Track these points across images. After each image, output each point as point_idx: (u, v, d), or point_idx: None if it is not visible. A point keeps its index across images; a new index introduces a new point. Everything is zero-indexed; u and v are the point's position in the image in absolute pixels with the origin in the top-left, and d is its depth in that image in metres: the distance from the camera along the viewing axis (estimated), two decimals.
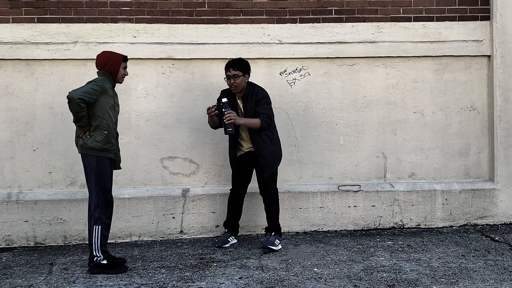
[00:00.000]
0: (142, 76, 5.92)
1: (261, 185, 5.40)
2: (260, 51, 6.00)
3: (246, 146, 5.36)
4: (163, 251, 5.46)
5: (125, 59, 4.89)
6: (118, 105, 4.95)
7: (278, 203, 5.46)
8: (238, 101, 5.33)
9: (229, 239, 5.54)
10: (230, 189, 5.54)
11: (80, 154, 4.83)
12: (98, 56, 4.87)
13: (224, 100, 5.10)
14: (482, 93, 6.29)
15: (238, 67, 5.20)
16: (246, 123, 5.16)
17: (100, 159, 4.73)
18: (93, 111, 4.69)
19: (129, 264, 4.95)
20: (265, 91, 5.36)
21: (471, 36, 6.19)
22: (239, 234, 5.77)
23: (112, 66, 4.80)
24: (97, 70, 4.85)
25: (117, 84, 4.94)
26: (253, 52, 5.97)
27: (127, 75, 4.98)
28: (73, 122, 4.74)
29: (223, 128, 5.18)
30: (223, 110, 5.06)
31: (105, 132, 4.73)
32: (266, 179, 5.36)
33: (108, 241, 5.10)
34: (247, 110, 5.25)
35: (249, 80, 5.35)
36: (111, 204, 4.82)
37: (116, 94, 4.95)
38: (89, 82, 4.73)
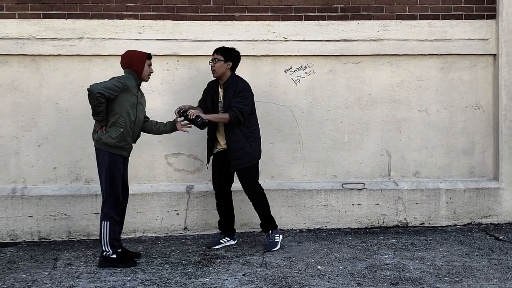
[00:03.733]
0: None
1: (242, 184, 5.30)
2: (265, 48, 5.99)
3: (223, 142, 5.26)
4: (167, 247, 5.47)
5: (149, 56, 4.93)
6: (142, 104, 4.94)
7: (265, 198, 5.33)
8: (220, 90, 5.28)
9: (221, 241, 5.45)
10: (214, 191, 5.47)
11: (94, 149, 4.86)
12: (122, 56, 4.92)
13: (182, 108, 5.06)
14: (487, 92, 6.28)
15: (221, 52, 5.20)
16: (213, 118, 5.05)
17: (113, 155, 4.75)
18: (112, 107, 4.71)
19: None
20: (247, 83, 5.26)
21: (476, 35, 6.17)
22: (242, 231, 5.78)
23: (137, 65, 4.84)
24: (124, 70, 4.90)
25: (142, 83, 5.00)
26: (258, 49, 5.97)
27: (152, 72, 5.01)
28: (92, 115, 4.76)
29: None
30: (184, 114, 5.01)
31: (121, 129, 4.75)
32: (244, 178, 5.24)
33: None
34: (225, 100, 5.17)
35: (241, 77, 5.30)
36: (120, 200, 4.83)
37: (142, 93, 4.98)
38: (112, 78, 4.76)
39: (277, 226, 5.43)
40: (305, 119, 6.12)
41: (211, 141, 5.33)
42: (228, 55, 5.21)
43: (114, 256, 4.77)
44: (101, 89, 4.59)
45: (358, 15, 6.09)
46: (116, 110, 4.73)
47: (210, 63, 5.26)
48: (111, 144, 4.74)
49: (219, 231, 5.53)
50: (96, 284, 4.40)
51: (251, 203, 5.57)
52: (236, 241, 5.53)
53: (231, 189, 5.46)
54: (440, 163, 6.27)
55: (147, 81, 5.04)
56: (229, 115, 5.04)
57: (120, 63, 4.92)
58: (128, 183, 5.03)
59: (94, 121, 4.83)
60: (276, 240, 5.32)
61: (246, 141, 5.19)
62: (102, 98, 4.59)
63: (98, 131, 4.77)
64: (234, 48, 5.33)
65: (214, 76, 5.29)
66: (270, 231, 5.36)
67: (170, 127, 5.15)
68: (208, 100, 5.31)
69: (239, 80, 5.26)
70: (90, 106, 4.68)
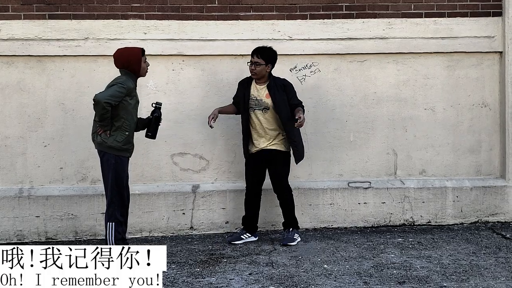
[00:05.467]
0: (152, 73, 5.91)
1: (276, 182, 5.44)
2: None
3: (263, 142, 5.39)
4: (173, 246, 5.48)
5: (143, 52, 4.92)
6: (138, 102, 4.97)
7: (293, 198, 5.52)
8: (258, 87, 5.40)
9: (242, 236, 5.54)
10: (246, 187, 5.58)
11: (96, 150, 4.87)
12: (115, 55, 4.87)
13: (157, 105, 5.06)
14: (493, 90, 6.25)
15: (261, 55, 5.32)
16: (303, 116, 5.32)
17: (119, 157, 4.77)
18: (117, 112, 4.71)
19: None
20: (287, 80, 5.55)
21: (482, 32, 6.14)
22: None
23: (134, 64, 4.83)
24: (119, 69, 4.87)
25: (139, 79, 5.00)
26: None
27: (149, 66, 5.00)
28: (95, 120, 4.77)
29: (146, 131, 5.08)
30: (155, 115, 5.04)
31: (127, 133, 4.77)
32: (280, 174, 5.40)
33: None
34: (276, 96, 5.33)
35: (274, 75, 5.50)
36: (125, 201, 4.84)
37: (136, 91, 4.97)
38: (114, 84, 4.73)
39: (299, 227, 5.59)
40: (310, 118, 6.10)
41: (246, 141, 5.46)
42: (269, 58, 5.38)
43: None
44: (107, 98, 4.59)
45: (363, 14, 6.08)
46: (121, 115, 4.73)
47: (250, 66, 5.35)
48: (117, 147, 4.75)
49: (242, 227, 5.62)
50: None
51: (260, 203, 5.61)
52: (257, 238, 5.61)
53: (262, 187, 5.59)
54: (447, 162, 6.25)
55: (144, 76, 5.04)
56: (302, 109, 5.39)
57: (115, 63, 4.87)
58: (128, 183, 5.03)
59: (93, 123, 4.83)
60: (295, 237, 5.44)
61: (299, 135, 5.48)
62: (108, 107, 4.60)
63: (101, 135, 4.77)
64: (271, 48, 5.44)
65: (252, 77, 5.41)
66: (291, 228, 5.48)
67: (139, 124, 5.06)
68: (240, 97, 5.47)
69: (280, 79, 5.49)
70: (95, 113, 4.69)
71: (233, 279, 4.48)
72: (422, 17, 6.11)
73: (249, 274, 4.60)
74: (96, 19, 5.88)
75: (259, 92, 5.39)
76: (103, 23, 5.87)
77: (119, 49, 4.97)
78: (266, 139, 5.39)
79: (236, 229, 5.86)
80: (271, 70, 5.43)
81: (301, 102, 5.44)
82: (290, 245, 5.36)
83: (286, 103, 5.36)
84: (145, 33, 5.90)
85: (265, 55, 5.34)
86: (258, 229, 5.77)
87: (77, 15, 5.87)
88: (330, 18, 6.05)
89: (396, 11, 6.10)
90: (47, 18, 5.85)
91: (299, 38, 6.02)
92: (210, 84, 6.00)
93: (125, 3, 5.91)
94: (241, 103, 5.44)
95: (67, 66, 5.91)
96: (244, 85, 5.48)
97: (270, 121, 5.37)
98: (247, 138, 5.45)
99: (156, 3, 5.93)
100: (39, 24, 5.83)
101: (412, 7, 6.11)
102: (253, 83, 5.44)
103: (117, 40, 5.83)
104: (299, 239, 5.47)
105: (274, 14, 6.02)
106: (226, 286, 4.33)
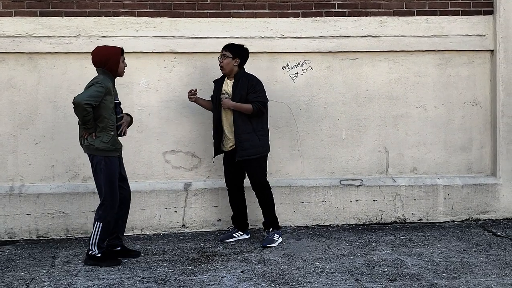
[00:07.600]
0: (144, 70, 5.92)
1: (249, 178, 5.38)
2: (263, 45, 5.99)
3: (232, 142, 5.36)
4: (165, 244, 5.47)
5: (122, 52, 4.89)
6: (113, 103, 4.91)
7: (271, 195, 5.41)
8: (229, 82, 5.37)
9: (234, 234, 5.54)
10: (226, 186, 5.56)
11: (86, 154, 4.84)
12: (93, 53, 4.82)
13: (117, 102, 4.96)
14: (485, 88, 6.28)
15: (229, 49, 5.31)
16: (237, 106, 5.21)
17: (108, 159, 4.74)
18: (99, 113, 4.68)
19: (131, 258, 4.97)
20: (258, 78, 5.39)
21: (474, 31, 6.17)
22: None
23: (112, 63, 4.79)
24: (96, 68, 4.83)
25: (117, 78, 4.95)
26: (256, 46, 5.95)
27: (126, 66, 4.98)
28: (78, 124, 4.74)
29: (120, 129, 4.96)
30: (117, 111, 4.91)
31: (112, 132, 4.75)
32: (252, 171, 5.32)
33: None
34: (236, 90, 5.26)
35: (250, 73, 5.42)
36: (118, 202, 4.82)
37: (115, 89, 4.94)
38: (92, 84, 4.69)
39: (279, 227, 5.50)
40: (302, 115, 6.12)
41: (218, 137, 5.41)
42: (236, 52, 5.32)
43: (99, 255, 4.78)
44: (87, 99, 4.56)
45: (355, 12, 6.09)
46: (103, 115, 4.70)
47: (219, 59, 5.36)
48: (105, 148, 4.72)
49: (233, 226, 5.60)
50: (94, 282, 4.40)
51: (251, 200, 5.60)
52: (249, 236, 5.59)
53: (244, 185, 5.54)
54: (438, 159, 6.27)
55: (122, 76, 5.01)
56: (252, 107, 5.20)
57: (92, 60, 4.82)
58: (127, 179, 5.02)
59: (79, 128, 4.79)
60: (274, 238, 5.35)
61: (254, 133, 5.27)
62: (89, 108, 4.57)
63: (87, 138, 4.74)
64: (243, 45, 5.42)
65: (222, 73, 5.39)
66: (271, 229, 5.40)
67: None
68: (213, 94, 5.46)
69: (251, 75, 5.39)
70: (78, 116, 4.65)
71: (225, 277, 4.48)
72: (414, 15, 6.13)
73: (241, 271, 4.60)
74: (87, 16, 5.85)
75: (228, 86, 5.36)
76: (95, 20, 5.85)
77: (97, 47, 4.91)
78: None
79: (228, 227, 5.86)
80: (240, 65, 5.33)
81: (262, 102, 5.23)
82: (270, 246, 5.26)
83: (244, 98, 5.22)
84: (137, 30, 5.88)
85: (232, 49, 5.31)
86: (250, 227, 5.78)
87: (69, 12, 5.84)
88: (322, 16, 6.06)
89: (388, 10, 6.12)
90: (38, 15, 5.81)
91: (291, 36, 6.02)
92: (202, 82, 5.99)
93: (116, 0, 5.88)
94: (213, 98, 5.42)
95: (58, 63, 5.88)
96: (218, 82, 5.46)
97: (238, 116, 5.23)
98: (220, 135, 5.39)
99: (148, 0, 5.91)
100: (30, 21, 5.80)
101: (404, 5, 6.13)
102: (225, 79, 5.42)
103: (108, 37, 5.81)
104: (280, 240, 5.37)
105: (266, 11, 6.02)
106: (218, 284, 4.33)
